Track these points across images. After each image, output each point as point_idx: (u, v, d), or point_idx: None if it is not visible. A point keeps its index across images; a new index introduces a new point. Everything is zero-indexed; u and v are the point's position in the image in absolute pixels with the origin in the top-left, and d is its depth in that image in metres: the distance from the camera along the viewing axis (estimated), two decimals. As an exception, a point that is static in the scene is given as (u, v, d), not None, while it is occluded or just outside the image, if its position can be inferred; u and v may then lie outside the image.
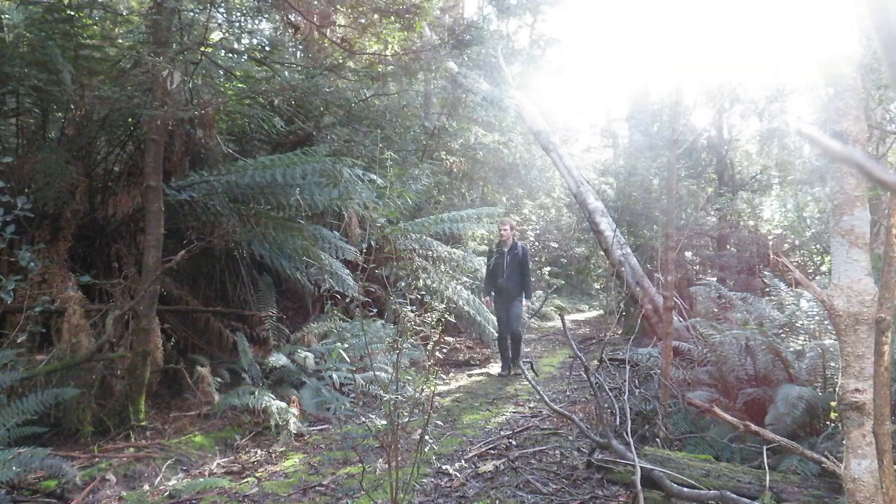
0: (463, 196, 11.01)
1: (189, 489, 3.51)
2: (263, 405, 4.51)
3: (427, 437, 2.93)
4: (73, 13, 4.55)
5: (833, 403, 3.36)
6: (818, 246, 7.42)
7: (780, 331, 4.31)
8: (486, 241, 10.24)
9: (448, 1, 10.13)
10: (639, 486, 2.96)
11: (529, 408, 5.55)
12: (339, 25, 5.95)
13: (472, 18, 10.67)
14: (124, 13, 5.79)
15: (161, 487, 3.59)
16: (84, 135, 5.04)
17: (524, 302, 7.11)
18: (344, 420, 5.04)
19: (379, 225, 6.33)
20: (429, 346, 2.94)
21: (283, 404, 4.65)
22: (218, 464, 4.06)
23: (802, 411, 3.48)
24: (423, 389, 2.94)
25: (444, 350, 3.20)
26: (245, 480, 3.76)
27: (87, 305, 4.49)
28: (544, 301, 11.70)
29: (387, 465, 2.91)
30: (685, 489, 3.02)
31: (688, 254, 8.85)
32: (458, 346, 8.10)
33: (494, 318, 8.86)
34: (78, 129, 5.04)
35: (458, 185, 10.80)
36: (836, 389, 2.17)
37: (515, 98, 9.75)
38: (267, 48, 7.20)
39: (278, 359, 5.14)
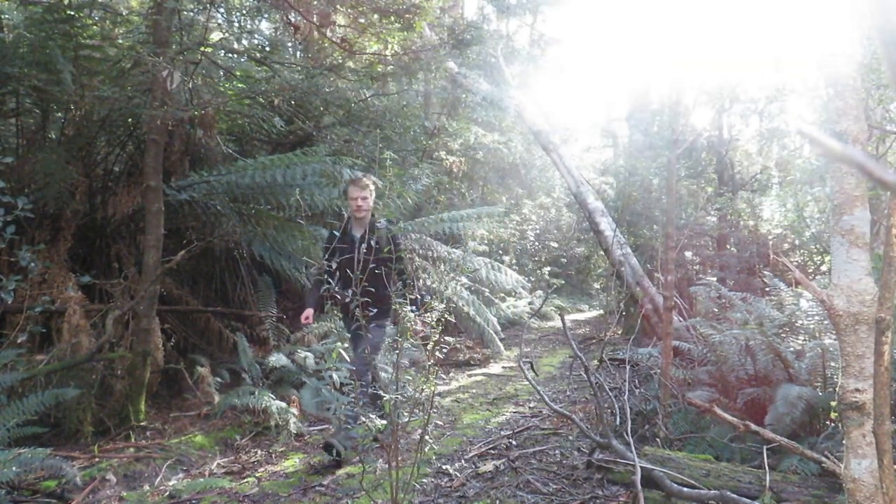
0: (463, 196, 11.01)
1: (189, 489, 3.51)
2: (263, 405, 4.51)
3: (427, 437, 2.93)
4: (73, 13, 4.55)
5: (833, 403, 3.35)
6: (818, 246, 7.41)
7: (780, 331, 4.31)
8: (485, 241, 10.19)
9: (448, 1, 10.12)
10: (639, 486, 2.96)
11: (529, 408, 5.55)
12: (339, 25, 5.95)
13: (472, 18, 10.68)
14: (124, 13, 5.79)
15: (161, 487, 3.60)
16: (84, 135, 5.04)
17: (389, 326, 4.30)
18: (344, 420, 5.03)
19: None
20: (429, 346, 2.94)
21: (283, 404, 4.65)
22: (218, 464, 4.07)
23: (802, 411, 3.48)
24: (423, 389, 2.94)
25: (444, 350, 3.20)
26: (245, 480, 3.77)
27: (87, 305, 4.49)
28: (544, 301, 11.69)
29: (387, 465, 2.91)
30: (685, 489, 3.02)
31: (688, 254, 8.83)
32: (458, 346, 8.09)
33: (492, 319, 8.73)
34: (78, 129, 5.04)
35: (458, 185, 10.79)
36: (836, 389, 2.17)
37: (515, 98, 9.74)
38: (267, 48, 7.20)
39: (278, 359, 5.14)
